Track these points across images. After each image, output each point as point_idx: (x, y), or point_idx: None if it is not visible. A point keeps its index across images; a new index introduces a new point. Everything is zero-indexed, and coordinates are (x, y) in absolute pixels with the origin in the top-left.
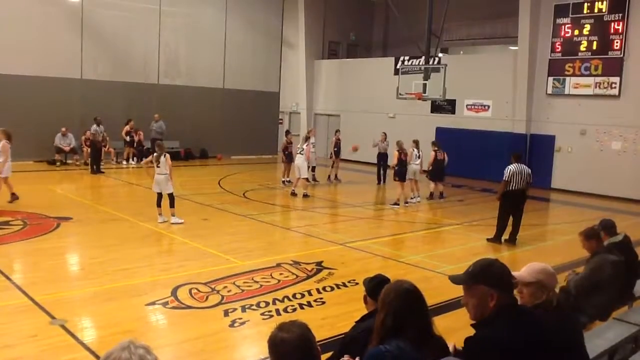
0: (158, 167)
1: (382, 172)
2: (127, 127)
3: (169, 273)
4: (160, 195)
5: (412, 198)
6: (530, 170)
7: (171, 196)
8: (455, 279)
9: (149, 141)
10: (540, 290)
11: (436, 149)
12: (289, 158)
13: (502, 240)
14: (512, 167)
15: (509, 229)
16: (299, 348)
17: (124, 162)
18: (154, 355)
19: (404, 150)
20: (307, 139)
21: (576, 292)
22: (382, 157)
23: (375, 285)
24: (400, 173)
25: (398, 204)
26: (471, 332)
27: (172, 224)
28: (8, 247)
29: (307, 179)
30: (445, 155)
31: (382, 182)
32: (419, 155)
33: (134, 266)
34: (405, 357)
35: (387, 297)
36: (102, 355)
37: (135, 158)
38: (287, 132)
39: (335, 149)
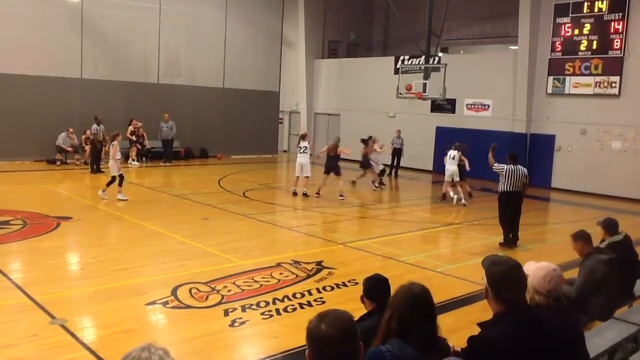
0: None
1: (395, 164)
2: (130, 127)
3: (169, 272)
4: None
5: (458, 199)
6: (526, 171)
7: (114, 178)
8: (482, 261)
9: (161, 142)
10: None
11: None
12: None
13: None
14: (507, 167)
15: None
16: (342, 346)
17: (133, 162)
18: (172, 358)
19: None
20: (303, 137)
21: (576, 296)
22: (397, 152)
23: (372, 286)
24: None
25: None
26: (471, 331)
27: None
28: (8, 247)
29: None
30: (467, 161)
31: (393, 175)
32: (454, 157)
33: (133, 265)
34: (406, 358)
35: (396, 299)
36: (102, 354)
37: (137, 157)
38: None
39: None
